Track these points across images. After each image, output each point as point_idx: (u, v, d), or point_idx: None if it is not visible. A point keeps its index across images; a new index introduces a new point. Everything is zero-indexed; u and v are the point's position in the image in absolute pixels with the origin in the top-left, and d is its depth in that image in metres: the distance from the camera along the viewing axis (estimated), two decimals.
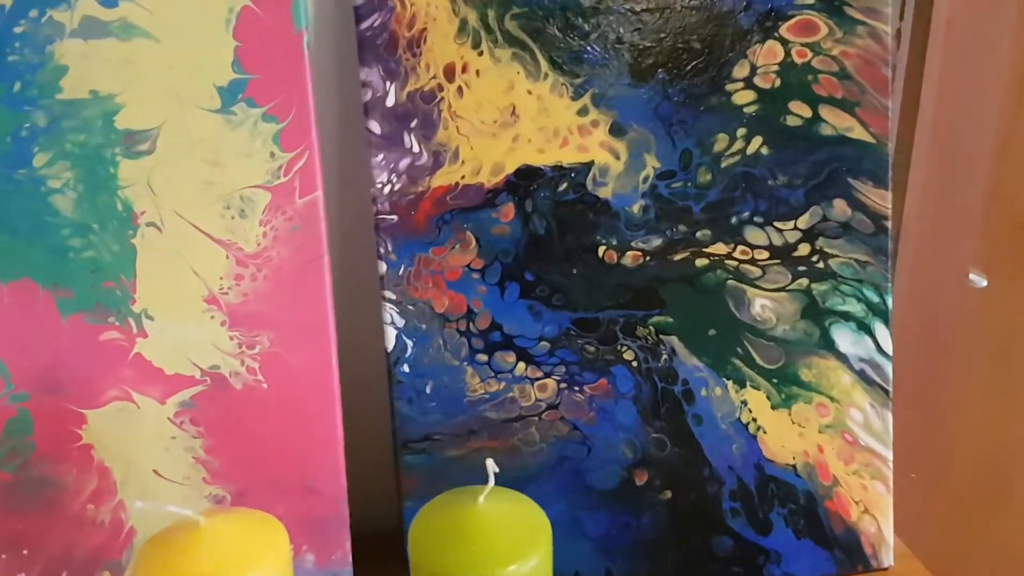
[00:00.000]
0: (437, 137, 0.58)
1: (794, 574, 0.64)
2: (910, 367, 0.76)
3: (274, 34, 0.53)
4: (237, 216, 0.55)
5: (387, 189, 0.58)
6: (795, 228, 0.62)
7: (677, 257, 0.62)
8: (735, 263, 0.62)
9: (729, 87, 0.60)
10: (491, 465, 0.45)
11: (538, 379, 0.61)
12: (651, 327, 0.62)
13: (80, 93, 0.52)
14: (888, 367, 0.64)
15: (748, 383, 0.63)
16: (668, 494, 0.63)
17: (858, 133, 0.61)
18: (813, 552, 0.64)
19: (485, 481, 0.46)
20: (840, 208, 0.62)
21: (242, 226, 0.55)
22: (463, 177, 0.59)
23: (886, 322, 0.63)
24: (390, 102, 0.57)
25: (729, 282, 0.62)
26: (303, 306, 0.56)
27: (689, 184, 0.61)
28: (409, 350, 0.59)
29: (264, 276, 0.55)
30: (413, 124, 0.58)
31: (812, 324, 0.63)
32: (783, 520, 0.64)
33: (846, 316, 0.63)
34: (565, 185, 0.60)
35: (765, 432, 0.64)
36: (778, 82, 0.60)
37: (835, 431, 0.64)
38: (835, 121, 0.61)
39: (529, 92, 0.58)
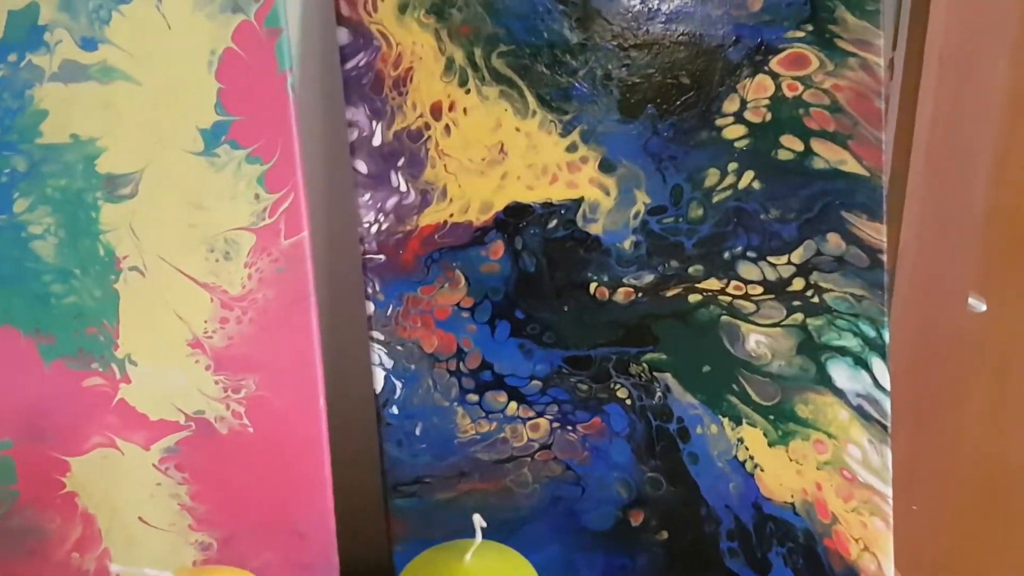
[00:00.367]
0: (424, 175, 0.57)
1: None
2: (909, 395, 0.75)
3: (258, 75, 0.53)
4: (221, 259, 0.54)
5: (374, 228, 0.57)
6: (789, 263, 0.61)
7: (670, 293, 0.61)
8: (728, 298, 0.61)
9: (719, 122, 0.59)
10: (478, 521, 0.44)
11: (530, 419, 0.60)
12: (644, 364, 0.61)
13: (61, 137, 0.51)
14: (886, 402, 0.63)
15: (744, 420, 0.62)
16: (664, 534, 0.62)
17: (851, 166, 0.60)
18: None
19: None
20: (834, 242, 0.61)
21: (227, 268, 0.54)
22: (451, 215, 0.58)
23: (883, 357, 0.62)
24: (376, 141, 0.57)
25: (723, 318, 0.61)
26: (289, 348, 0.55)
27: (680, 219, 0.60)
28: (398, 391, 0.59)
29: (249, 319, 0.55)
30: (400, 163, 0.57)
31: (808, 359, 0.62)
32: (782, 559, 0.63)
33: (842, 351, 0.62)
34: (555, 222, 0.59)
35: (762, 470, 0.62)
36: (769, 116, 0.60)
37: (833, 468, 0.63)
38: (827, 154, 0.60)
39: (517, 129, 0.58)
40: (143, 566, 0.49)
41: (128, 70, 0.51)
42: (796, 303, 0.61)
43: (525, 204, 0.59)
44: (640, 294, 0.60)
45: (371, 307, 0.58)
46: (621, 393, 0.61)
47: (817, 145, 0.60)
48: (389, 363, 0.58)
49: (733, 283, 0.61)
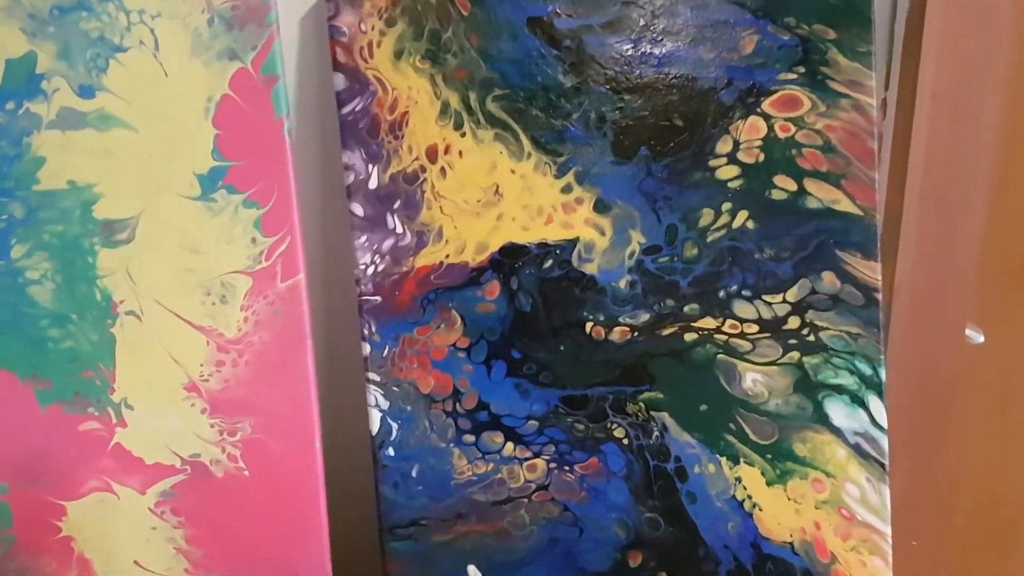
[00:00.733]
0: (420, 217, 0.58)
1: None
2: (909, 430, 0.75)
3: (255, 121, 0.53)
4: (218, 302, 0.54)
5: (371, 270, 0.58)
6: (784, 301, 0.61)
7: (665, 332, 0.61)
8: (724, 337, 0.61)
9: (713, 163, 0.60)
10: (473, 572, 0.44)
11: (527, 459, 0.60)
12: (641, 403, 0.61)
13: (58, 184, 0.52)
14: (883, 440, 0.63)
15: (742, 459, 0.62)
16: None
17: (844, 205, 0.61)
18: None
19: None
20: (829, 280, 0.61)
21: (223, 312, 0.54)
22: (447, 256, 0.58)
23: (880, 395, 0.62)
24: (373, 184, 0.57)
25: (719, 356, 0.61)
26: (286, 391, 0.56)
27: (675, 259, 0.60)
28: (394, 433, 0.58)
29: (246, 362, 0.55)
30: (396, 205, 0.57)
31: (805, 398, 0.62)
32: None
33: (839, 389, 0.62)
34: (551, 262, 0.59)
35: (761, 509, 0.62)
36: (762, 157, 0.60)
37: (832, 507, 0.63)
38: (821, 194, 0.60)
39: (512, 171, 0.58)
40: None
41: (126, 117, 0.52)
42: (792, 341, 0.61)
43: (521, 245, 0.59)
44: (636, 333, 0.60)
45: (367, 348, 0.58)
46: (618, 433, 0.61)
47: (810, 185, 0.60)
48: (385, 404, 0.58)
49: (729, 322, 0.61)
